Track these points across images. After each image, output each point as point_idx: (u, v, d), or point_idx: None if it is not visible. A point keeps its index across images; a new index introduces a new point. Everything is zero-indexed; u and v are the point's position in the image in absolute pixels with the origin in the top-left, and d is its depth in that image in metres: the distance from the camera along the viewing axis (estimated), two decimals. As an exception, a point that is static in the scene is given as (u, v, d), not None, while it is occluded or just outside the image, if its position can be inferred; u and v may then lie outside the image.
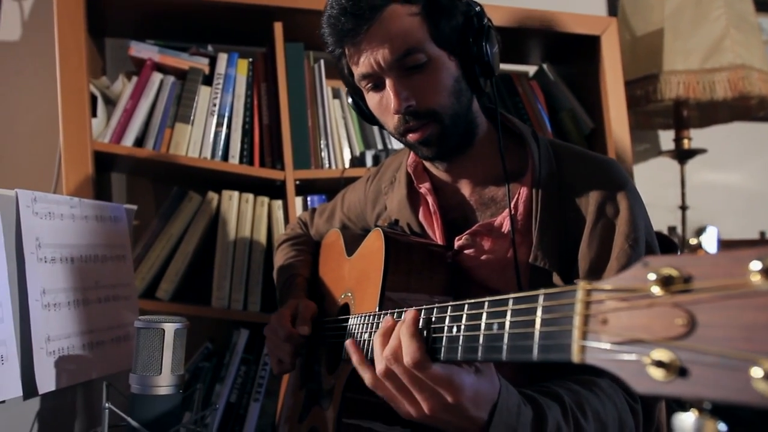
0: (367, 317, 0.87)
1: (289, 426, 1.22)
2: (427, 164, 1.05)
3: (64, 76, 1.64)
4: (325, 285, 1.21)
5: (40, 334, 0.98)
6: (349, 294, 1.05)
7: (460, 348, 0.60)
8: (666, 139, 2.56)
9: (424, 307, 0.69)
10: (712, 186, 2.55)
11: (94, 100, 1.75)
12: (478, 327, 0.56)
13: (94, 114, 1.74)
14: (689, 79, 2.05)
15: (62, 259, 1.05)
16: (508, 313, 0.51)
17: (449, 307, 0.63)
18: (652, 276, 0.36)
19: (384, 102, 0.94)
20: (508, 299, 0.52)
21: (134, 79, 1.77)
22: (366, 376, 0.75)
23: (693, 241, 0.34)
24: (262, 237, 1.76)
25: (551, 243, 0.91)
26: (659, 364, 0.34)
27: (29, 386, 0.96)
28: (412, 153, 1.08)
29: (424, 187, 1.04)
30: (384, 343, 0.71)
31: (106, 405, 0.75)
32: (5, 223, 0.96)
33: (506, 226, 0.95)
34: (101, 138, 1.71)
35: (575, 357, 0.41)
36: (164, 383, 0.80)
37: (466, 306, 0.60)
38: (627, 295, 0.37)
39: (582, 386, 0.81)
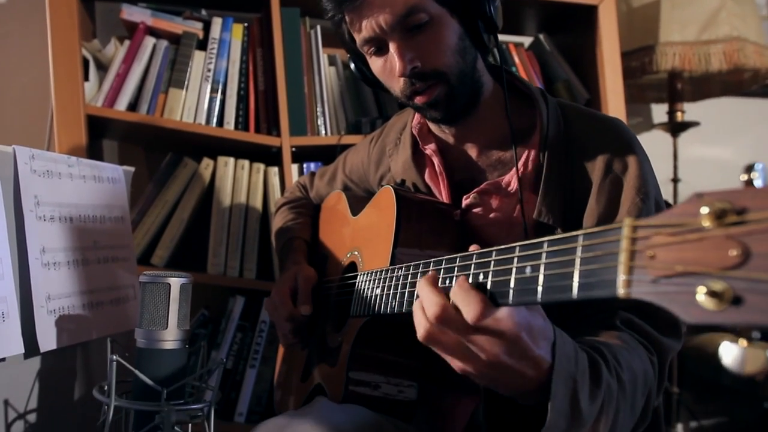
0: (378, 273, 0.86)
1: (284, 390, 1.22)
2: (432, 126, 1.03)
3: (55, 38, 1.59)
4: (327, 246, 1.20)
5: (40, 292, 0.97)
6: (356, 252, 1.05)
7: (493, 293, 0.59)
8: (658, 113, 2.57)
9: (445, 258, 0.68)
10: (704, 160, 2.57)
11: (85, 63, 1.71)
12: (509, 272, 0.55)
13: (85, 78, 1.70)
14: (685, 50, 2.05)
15: (61, 218, 1.03)
16: (543, 255, 0.51)
17: (474, 255, 0.63)
18: (705, 210, 0.36)
19: (388, 66, 0.93)
20: (542, 242, 0.52)
21: (126, 43, 1.73)
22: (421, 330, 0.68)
23: (744, 177, 0.34)
24: (258, 203, 1.75)
25: (556, 199, 0.91)
26: (712, 294, 0.34)
27: (30, 345, 0.95)
28: (417, 114, 1.07)
29: (430, 149, 1.03)
30: (433, 304, 0.65)
31: (113, 357, 0.74)
32: (3, 179, 0.94)
33: (514, 185, 0.95)
34: (93, 103, 1.67)
35: (621, 291, 0.41)
36: (170, 338, 0.79)
37: (494, 252, 0.59)
38: (676, 230, 0.37)
39: (612, 340, 0.80)
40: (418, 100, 0.92)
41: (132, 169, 1.25)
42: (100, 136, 1.87)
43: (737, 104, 2.61)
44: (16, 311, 0.92)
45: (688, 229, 0.36)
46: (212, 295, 1.83)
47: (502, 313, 0.60)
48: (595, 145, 0.93)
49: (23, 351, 0.92)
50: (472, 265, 0.62)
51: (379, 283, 0.85)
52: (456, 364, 0.66)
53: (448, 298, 0.63)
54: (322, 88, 1.81)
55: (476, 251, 0.63)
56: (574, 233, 0.48)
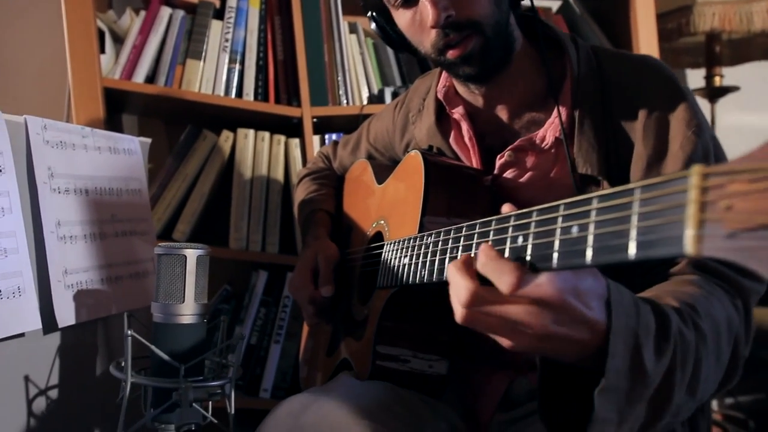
0: (406, 241, 0.81)
1: (309, 367, 1.18)
2: (460, 88, 0.97)
3: (69, 10, 1.56)
4: (352, 217, 1.15)
5: (57, 266, 0.94)
6: (382, 222, 1.00)
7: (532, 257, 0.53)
8: (694, 78, 2.45)
9: (479, 221, 0.62)
10: (744, 127, 2.46)
11: (101, 36, 1.68)
12: (552, 233, 0.50)
13: (101, 50, 1.67)
14: (725, 9, 1.94)
15: (76, 191, 1.00)
16: (593, 213, 0.45)
17: (511, 217, 0.57)
18: (797, 151, 0.30)
19: (418, 18, 0.87)
20: (591, 198, 0.46)
21: (142, 13, 1.69)
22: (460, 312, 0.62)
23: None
24: (279, 176, 1.71)
25: (594, 147, 0.85)
26: (805, 248, 0.29)
27: (49, 320, 0.93)
28: (442, 77, 1.01)
29: (458, 113, 0.97)
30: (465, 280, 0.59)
31: (129, 332, 0.71)
32: (15, 151, 0.91)
33: (549, 139, 0.88)
34: (110, 75, 1.64)
35: (690, 248, 0.35)
36: (187, 312, 0.75)
37: (535, 213, 0.54)
38: (758, 175, 0.31)
39: (685, 287, 0.74)
40: (451, 54, 0.86)
41: (148, 140, 1.21)
42: (119, 111, 1.84)
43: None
44: (32, 286, 0.90)
45: (773, 174, 0.31)
46: (235, 271, 1.80)
47: (542, 278, 0.54)
48: (634, 86, 0.86)
49: (40, 326, 0.90)
50: (510, 228, 0.57)
51: (407, 251, 0.80)
52: (504, 342, 0.61)
53: (479, 276, 0.58)
54: (343, 56, 1.75)
55: (514, 212, 0.58)
56: (630, 186, 0.43)
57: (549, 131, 0.89)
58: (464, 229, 0.66)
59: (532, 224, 0.53)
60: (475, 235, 0.63)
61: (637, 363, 0.60)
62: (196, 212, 1.66)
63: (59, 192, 0.97)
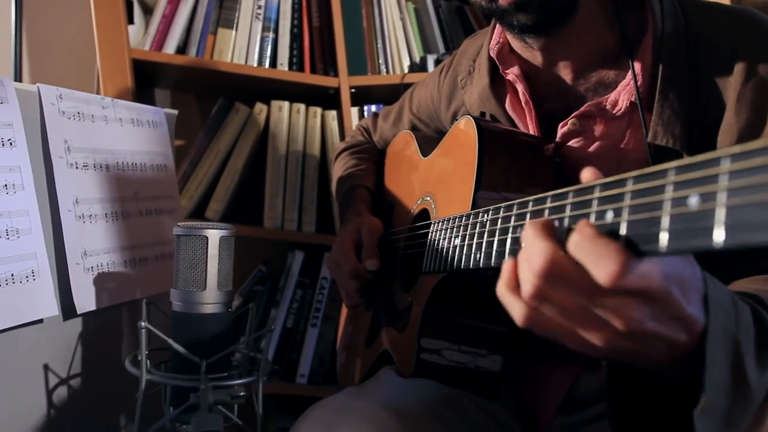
0: (457, 219, 0.70)
1: (348, 353, 1.09)
2: (516, 44, 0.84)
3: (96, -21, 1.48)
4: (395, 194, 1.05)
5: (75, 248, 0.87)
6: (428, 198, 0.89)
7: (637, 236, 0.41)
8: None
9: (551, 193, 0.51)
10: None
11: (129, 6, 1.60)
12: (658, 206, 0.38)
13: (130, 21, 1.60)
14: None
15: (96, 166, 0.93)
16: (723, 177, 0.33)
17: (596, 187, 0.46)
18: None
19: None
20: (718, 158, 0.34)
21: (171, -19, 1.60)
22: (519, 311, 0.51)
23: None
24: (315, 151, 1.61)
25: (676, 115, 0.73)
26: None
27: (68, 306, 0.86)
28: (495, 32, 0.88)
29: (512, 73, 0.84)
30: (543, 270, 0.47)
31: (143, 324, 0.63)
32: (27, 123, 0.83)
33: (622, 104, 0.76)
34: (140, 47, 1.57)
35: None
36: (210, 300, 0.67)
37: (630, 181, 0.42)
38: None
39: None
40: (505, 0, 0.74)
41: (175, 112, 1.13)
42: (152, 85, 1.78)
43: None
44: (48, 269, 0.82)
45: None
46: (270, 251, 1.73)
47: (648, 266, 0.43)
48: (729, 44, 0.73)
49: (57, 312, 0.83)
50: (595, 201, 0.45)
51: (458, 231, 0.69)
52: (575, 338, 0.48)
53: (563, 250, 0.46)
54: (382, 22, 1.64)
55: (599, 181, 0.46)
56: (713, 156, 0.31)
57: (623, 95, 0.76)
58: (531, 203, 0.54)
59: (627, 195, 0.42)
60: (546, 211, 0.51)
61: (739, 375, 0.50)
62: (229, 190, 1.58)
63: (77, 167, 0.89)
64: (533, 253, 0.47)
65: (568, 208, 0.48)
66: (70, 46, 1.84)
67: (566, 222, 0.48)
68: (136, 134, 1.02)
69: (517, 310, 0.50)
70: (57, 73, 1.84)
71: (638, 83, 0.75)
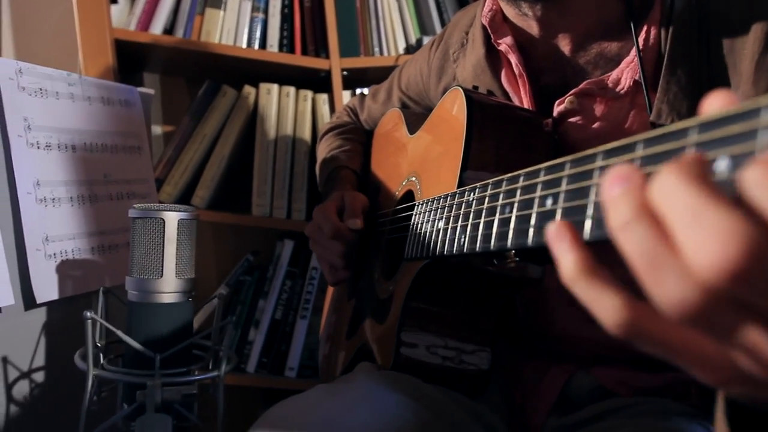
0: (440, 200, 0.64)
1: (331, 344, 1.04)
2: (510, 12, 0.77)
3: (76, -47, 1.42)
4: (381, 177, 0.98)
5: (35, 233, 0.81)
6: (413, 179, 0.83)
7: None
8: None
9: (544, 165, 0.43)
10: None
11: (113, -16, 1.54)
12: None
13: (114, 0, 1.54)
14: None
15: (60, 146, 0.87)
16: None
17: (599, 154, 0.38)
18: None
19: None
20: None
21: (157, -42, 1.54)
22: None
23: None
24: (306, 136, 1.55)
25: (684, 93, 0.66)
26: None
27: (28, 294, 0.80)
28: (487, 1, 0.81)
29: (504, 43, 0.77)
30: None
31: (89, 314, 0.57)
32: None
33: (626, 82, 0.70)
34: (126, 27, 1.51)
35: None
36: (167, 288, 0.61)
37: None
38: None
39: None
40: None
41: (151, 91, 1.07)
42: (140, 69, 1.71)
43: None
44: (3, 255, 0.77)
45: None
46: (258, 239, 1.67)
47: None
48: (742, 16, 0.66)
49: (13, 302, 0.78)
50: (596, 171, 0.38)
51: (441, 213, 0.62)
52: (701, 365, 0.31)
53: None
54: (376, 2, 1.57)
55: (600, 148, 0.38)
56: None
57: (626, 72, 0.70)
58: (522, 177, 0.47)
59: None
60: (539, 185, 0.44)
61: None
62: (215, 176, 1.52)
63: (38, 147, 0.84)
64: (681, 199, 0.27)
65: (564, 181, 0.41)
66: (54, 27, 1.78)
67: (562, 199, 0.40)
68: (107, 113, 0.96)
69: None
70: (42, 54, 1.78)
71: (642, 59, 0.68)
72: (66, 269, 0.84)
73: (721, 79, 0.67)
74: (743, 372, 0.30)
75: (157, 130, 1.70)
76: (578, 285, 0.33)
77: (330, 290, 1.15)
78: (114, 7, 1.54)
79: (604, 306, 0.32)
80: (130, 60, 1.54)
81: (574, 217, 0.39)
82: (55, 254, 0.84)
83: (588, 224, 0.37)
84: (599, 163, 0.38)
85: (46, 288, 0.82)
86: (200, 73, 1.67)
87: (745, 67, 0.65)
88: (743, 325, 0.28)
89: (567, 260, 0.33)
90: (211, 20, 1.53)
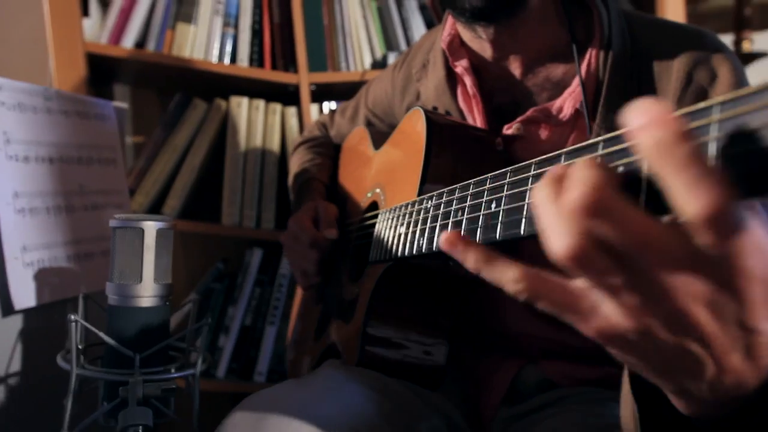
0: (402, 208, 0.70)
1: (298, 349, 1.09)
2: (466, 36, 0.84)
3: (49, -31, 1.45)
4: (347, 189, 1.04)
5: (13, 242, 0.85)
6: (378, 190, 0.89)
7: None
8: (720, 45, 2.31)
9: (490, 175, 0.50)
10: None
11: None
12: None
13: (85, 13, 1.56)
14: (757, -32, 1.79)
15: (38, 159, 0.90)
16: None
17: (533, 165, 0.46)
18: None
19: None
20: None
21: (129, -27, 1.58)
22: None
23: None
24: (275, 147, 1.60)
25: (617, 124, 0.74)
26: None
27: (5, 302, 0.84)
28: (447, 24, 0.88)
29: (461, 66, 0.84)
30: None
31: (73, 317, 0.62)
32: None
33: (567, 110, 0.77)
34: (97, 41, 1.54)
35: None
36: (145, 293, 0.66)
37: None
38: None
39: None
40: None
41: (125, 105, 1.11)
42: (110, 80, 1.74)
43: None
44: (-17, 263, 0.80)
45: None
46: (228, 247, 1.71)
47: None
48: (671, 54, 0.75)
49: (-8, 308, 0.81)
50: (530, 179, 0.45)
51: (402, 219, 0.69)
52: (621, 320, 0.35)
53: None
54: (343, 19, 1.63)
55: (534, 160, 0.45)
56: (704, 105, 0.31)
57: (568, 101, 0.77)
58: (471, 186, 0.55)
59: None
60: (485, 192, 0.52)
61: None
62: (186, 186, 1.56)
63: (16, 159, 0.87)
64: (581, 175, 0.34)
65: (505, 187, 0.49)
66: (24, 39, 1.80)
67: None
68: (83, 127, 1.00)
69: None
70: (12, 67, 1.79)
71: (585, 87, 0.76)
72: (43, 277, 0.88)
73: None
74: (613, 321, 0.35)
75: (128, 140, 1.73)
76: (483, 272, 0.40)
77: (298, 298, 1.20)
78: (86, 21, 1.57)
79: (506, 280, 0.38)
80: (102, 72, 1.57)
81: (513, 217, 0.46)
82: (32, 263, 0.87)
83: (524, 223, 0.44)
84: (533, 171, 0.45)
85: (24, 295, 0.85)
86: (171, 85, 1.71)
87: (670, 102, 0.73)
88: (609, 270, 0.34)
89: (466, 259, 0.41)
90: (183, 34, 1.58)
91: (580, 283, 0.36)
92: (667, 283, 0.33)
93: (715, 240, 0.31)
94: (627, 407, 0.45)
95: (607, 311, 0.35)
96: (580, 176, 0.34)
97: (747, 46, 2.00)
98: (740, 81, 0.73)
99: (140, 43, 1.58)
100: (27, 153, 0.89)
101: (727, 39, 2.15)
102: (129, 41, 1.56)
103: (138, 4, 1.57)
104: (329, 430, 0.60)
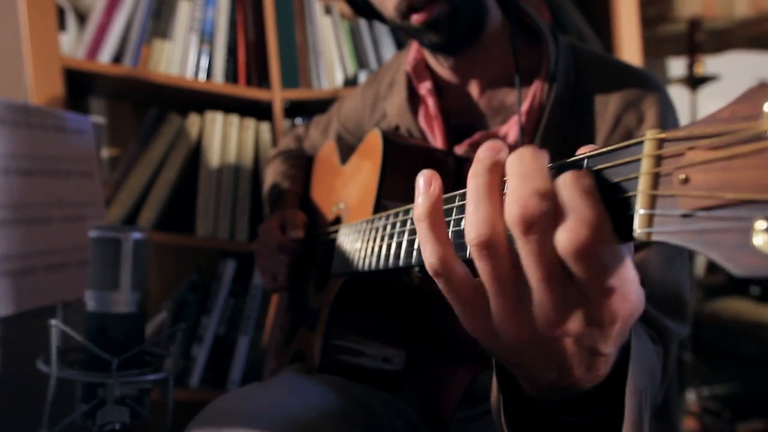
0: (358, 225, 0.76)
1: (271, 357, 1.13)
2: (431, 61, 0.91)
3: (27, -16, 1.48)
4: (316, 201, 1.10)
5: (-7, 252, 0.88)
6: (342, 206, 0.94)
7: None
8: (676, 68, 2.42)
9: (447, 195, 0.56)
10: (725, 116, 2.42)
11: (61, 13, 1.60)
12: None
13: (62, 27, 1.60)
14: (708, -4, 1.91)
15: (16, 172, 0.94)
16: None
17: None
18: (769, 107, 0.24)
19: None
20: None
21: (106, -10, 1.62)
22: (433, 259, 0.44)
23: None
24: (248, 161, 1.65)
25: (553, 156, 0.80)
26: (777, 230, 0.24)
27: (-17, 310, 0.87)
28: (412, 50, 0.95)
29: (424, 88, 0.91)
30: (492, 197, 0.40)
31: (54, 322, 0.66)
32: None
33: (512, 136, 0.83)
34: (73, 55, 1.57)
35: (638, 231, 0.30)
36: (122, 300, 0.70)
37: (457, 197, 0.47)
38: (723, 140, 0.26)
39: None
40: (416, 19, 0.79)
41: (101, 120, 1.15)
42: (85, 93, 1.77)
43: (761, 60, 2.45)
44: (-36, 272, 0.84)
45: (741, 138, 0.26)
46: (202, 259, 1.74)
47: (630, 269, 0.37)
48: (607, 95, 0.81)
49: (-28, 316, 0.84)
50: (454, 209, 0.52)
51: (358, 236, 0.74)
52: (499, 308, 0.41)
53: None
54: (315, 38, 1.69)
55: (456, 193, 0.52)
56: (577, 157, 0.38)
57: (513, 128, 0.84)
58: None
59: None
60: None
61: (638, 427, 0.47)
62: (161, 199, 1.59)
63: (-2, 173, 0.91)
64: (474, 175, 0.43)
65: (454, 211, 0.54)
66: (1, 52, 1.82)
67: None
68: (61, 141, 1.04)
69: (428, 248, 0.43)
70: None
71: (529, 116, 0.82)
72: (20, 286, 0.91)
73: (586, 144, 0.81)
74: (494, 321, 0.41)
75: (103, 152, 1.76)
76: (423, 222, 0.46)
77: (272, 308, 1.24)
78: (62, 35, 1.60)
79: (431, 247, 0.44)
80: (77, 85, 1.60)
81: (460, 240, 0.51)
82: (9, 272, 0.91)
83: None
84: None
85: (3, 303, 0.89)
86: (146, 99, 1.75)
87: (599, 141, 0.79)
88: (508, 271, 0.39)
89: (422, 202, 0.47)
90: (159, 51, 1.62)
91: (478, 280, 0.42)
92: (543, 306, 0.38)
93: (590, 278, 0.35)
94: (494, 391, 0.52)
95: (493, 310, 0.41)
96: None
97: (699, 70, 2.11)
98: (665, 125, 0.79)
99: (117, 58, 1.61)
100: (6, 166, 0.93)
101: (681, 63, 2.26)
102: (106, 56, 1.59)
103: (115, 19, 1.60)
104: (293, 424, 0.65)
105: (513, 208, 0.36)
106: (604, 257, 0.34)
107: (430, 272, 0.44)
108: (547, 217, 0.35)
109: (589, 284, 0.36)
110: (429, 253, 0.43)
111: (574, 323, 0.38)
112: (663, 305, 0.72)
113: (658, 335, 0.71)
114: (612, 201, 0.34)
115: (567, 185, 0.35)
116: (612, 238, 0.34)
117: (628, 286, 0.37)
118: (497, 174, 0.41)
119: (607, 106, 0.80)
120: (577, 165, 0.38)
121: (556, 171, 0.38)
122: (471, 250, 0.40)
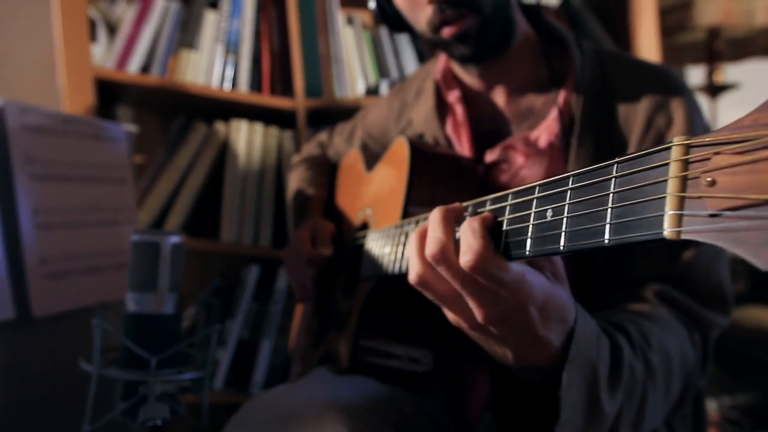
0: (387, 230, 0.79)
1: (297, 361, 1.16)
2: (458, 71, 0.94)
3: (62, -2, 1.53)
4: (342, 207, 1.13)
5: (33, 255, 0.91)
6: (368, 211, 0.97)
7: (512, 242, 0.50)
8: (695, 75, 2.43)
9: (473, 201, 0.59)
10: (745, 124, 2.42)
11: (92, 25, 1.65)
12: (527, 218, 0.47)
13: (93, 38, 1.65)
14: (727, 5, 1.91)
15: (56, 178, 0.98)
16: (568, 194, 0.42)
17: (488, 201, 0.54)
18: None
19: None
20: (567, 177, 0.43)
21: (135, 2, 1.67)
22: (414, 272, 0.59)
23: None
24: (272, 169, 1.68)
25: (590, 159, 0.82)
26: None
27: (23, 310, 0.90)
28: (441, 59, 0.98)
29: (453, 96, 0.94)
30: (424, 240, 0.56)
31: (96, 322, 0.69)
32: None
33: (543, 141, 0.86)
34: (103, 65, 1.62)
35: (668, 231, 0.32)
36: (160, 302, 0.73)
37: (510, 196, 0.51)
38: (747, 146, 0.28)
39: (641, 317, 0.72)
40: (446, 32, 0.82)
41: (134, 128, 1.19)
42: (113, 102, 1.82)
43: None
44: (4, 274, 0.87)
45: (764, 143, 0.28)
46: (226, 264, 1.77)
47: (513, 266, 0.50)
48: (636, 95, 0.83)
49: (12, 316, 0.88)
50: (487, 213, 0.54)
51: (387, 240, 0.77)
52: (449, 307, 0.58)
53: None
54: (338, 48, 1.73)
55: (490, 196, 0.55)
56: (607, 163, 0.40)
57: (544, 134, 0.86)
58: None
59: (507, 209, 0.51)
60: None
61: (594, 399, 0.59)
62: (187, 205, 1.63)
63: (37, 178, 0.95)
64: (431, 236, 0.55)
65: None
66: (35, 62, 1.87)
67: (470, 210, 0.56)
68: (97, 149, 1.07)
69: (413, 269, 0.58)
70: (18, 88, 1.86)
71: (559, 121, 0.84)
72: (59, 288, 0.95)
73: (620, 146, 0.83)
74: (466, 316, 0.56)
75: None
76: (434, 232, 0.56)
77: (298, 313, 1.27)
78: (94, 46, 1.65)
79: (411, 265, 0.58)
80: (106, 93, 1.64)
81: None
82: (50, 274, 0.94)
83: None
84: (488, 206, 0.55)
85: (43, 304, 0.92)
86: (173, 108, 1.79)
87: (632, 144, 0.82)
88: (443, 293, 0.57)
89: (439, 221, 0.55)
90: (185, 61, 1.66)
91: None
92: (471, 302, 0.54)
93: (490, 281, 0.51)
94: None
95: (470, 306, 0.54)
96: (434, 236, 0.54)
97: (719, 78, 2.12)
98: (692, 126, 0.81)
99: (145, 68, 1.66)
100: (47, 172, 0.96)
101: (700, 71, 2.27)
102: (134, 66, 1.64)
103: (144, 30, 1.65)
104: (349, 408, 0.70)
105: (427, 249, 0.55)
106: (493, 269, 0.49)
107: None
108: (446, 253, 0.53)
109: (492, 284, 0.50)
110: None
111: (495, 309, 0.52)
112: (705, 299, 0.78)
113: (696, 324, 0.77)
114: (499, 231, 0.51)
115: (463, 227, 0.51)
116: (494, 257, 0.50)
117: (524, 282, 0.51)
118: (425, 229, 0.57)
119: (637, 108, 0.83)
120: (600, 172, 0.42)
121: (472, 210, 0.56)
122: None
